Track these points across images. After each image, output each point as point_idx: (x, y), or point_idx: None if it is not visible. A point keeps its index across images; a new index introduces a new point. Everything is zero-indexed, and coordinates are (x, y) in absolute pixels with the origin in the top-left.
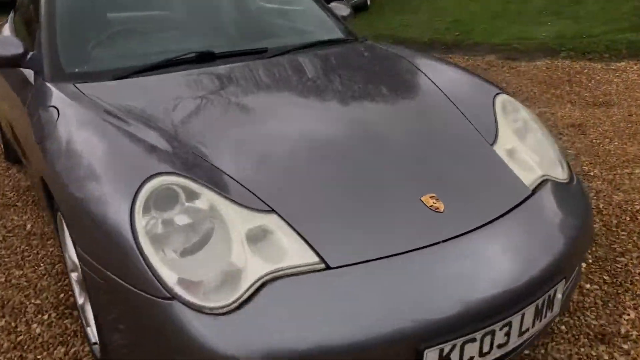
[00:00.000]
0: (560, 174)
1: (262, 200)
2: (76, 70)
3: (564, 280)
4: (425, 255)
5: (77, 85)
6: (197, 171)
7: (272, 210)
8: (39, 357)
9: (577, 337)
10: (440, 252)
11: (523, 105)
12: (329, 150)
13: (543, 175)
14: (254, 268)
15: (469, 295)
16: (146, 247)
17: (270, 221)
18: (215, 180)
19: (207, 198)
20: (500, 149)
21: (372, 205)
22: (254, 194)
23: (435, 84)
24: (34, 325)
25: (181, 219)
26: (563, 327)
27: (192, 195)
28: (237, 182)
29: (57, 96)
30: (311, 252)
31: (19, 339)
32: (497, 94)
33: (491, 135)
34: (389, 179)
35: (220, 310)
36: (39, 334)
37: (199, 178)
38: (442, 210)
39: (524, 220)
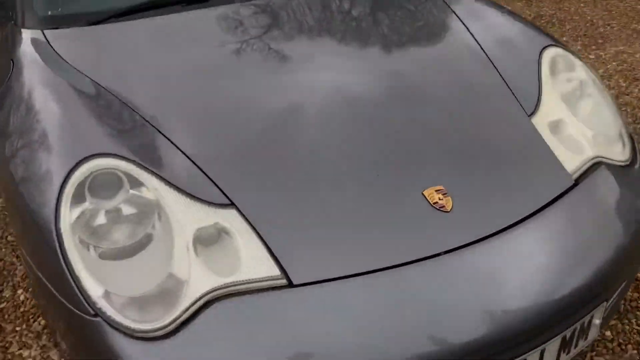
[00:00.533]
0: (619, 153)
1: (221, 190)
2: (49, 13)
3: (604, 303)
4: (418, 272)
5: (46, 32)
6: (146, 151)
7: (232, 205)
8: (17, 329)
9: (624, 347)
10: (439, 269)
11: (582, 62)
12: (316, 125)
13: (595, 157)
14: (199, 281)
15: (468, 329)
16: (70, 249)
17: (228, 219)
18: (166, 163)
19: (150, 187)
20: (540, 121)
21: (358, 201)
22: (212, 181)
23: (469, 30)
24: (19, 292)
25: (113, 215)
26: (608, 333)
27: (132, 184)
28: (196, 165)
29: (18, 46)
30: (272, 263)
31: (1, 306)
32: (547, 46)
33: (531, 103)
34: (383, 164)
35: (153, 334)
36: (22, 302)
37: (146, 160)
38: (449, 209)
39: (559, 224)
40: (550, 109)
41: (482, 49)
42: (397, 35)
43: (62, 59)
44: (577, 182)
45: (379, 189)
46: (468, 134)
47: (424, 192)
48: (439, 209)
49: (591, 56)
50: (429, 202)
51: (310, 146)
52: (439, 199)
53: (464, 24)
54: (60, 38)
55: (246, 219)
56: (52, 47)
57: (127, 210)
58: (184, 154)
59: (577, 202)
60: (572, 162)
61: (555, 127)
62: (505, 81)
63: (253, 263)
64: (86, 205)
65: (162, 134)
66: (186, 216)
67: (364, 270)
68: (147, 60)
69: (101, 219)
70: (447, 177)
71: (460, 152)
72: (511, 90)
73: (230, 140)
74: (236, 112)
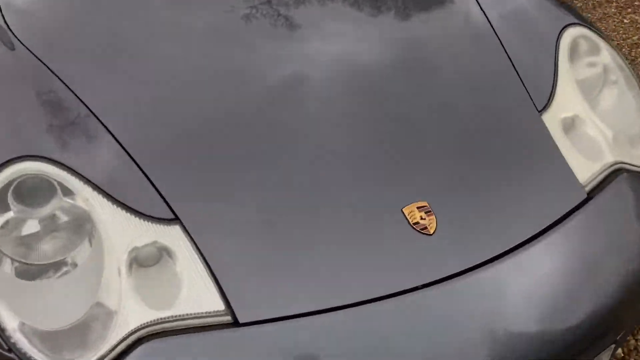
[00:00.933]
0: None
1: (166, 201)
2: None
3: (614, 345)
4: (389, 311)
5: None
6: (83, 152)
7: (176, 219)
8: None
9: None
10: (414, 306)
11: (609, 44)
12: (286, 123)
13: (615, 163)
14: (130, 314)
15: None
16: None
17: (170, 237)
18: (105, 167)
19: (80, 197)
20: (552, 118)
21: (327, 221)
22: (156, 189)
23: (479, 4)
24: None
25: (42, 227)
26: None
27: (63, 192)
28: (140, 168)
29: None
30: (217, 295)
31: None
32: (568, 25)
33: (544, 95)
34: (359, 171)
35: None
36: None
37: (80, 164)
38: (431, 231)
39: (565, 251)
40: (565, 102)
41: (491, 26)
42: (394, 14)
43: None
44: (590, 196)
45: (352, 204)
46: (463, 135)
47: (403, 210)
48: (419, 231)
49: (626, 20)
50: (408, 222)
51: (277, 148)
52: (421, 219)
53: None
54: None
55: (191, 238)
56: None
57: (57, 222)
58: (129, 154)
59: (588, 222)
60: (586, 169)
61: (570, 124)
62: (515, 68)
63: (194, 293)
64: (10, 214)
65: (107, 130)
66: (121, 232)
67: (326, 308)
68: (102, 26)
69: (27, 230)
70: (433, 190)
71: (452, 157)
72: (521, 79)
73: (187, 136)
74: (198, 105)
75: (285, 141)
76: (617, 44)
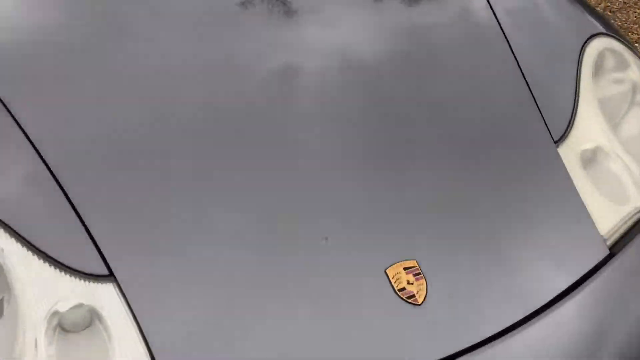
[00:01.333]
0: None
1: (100, 252)
2: None
3: None
4: None
5: None
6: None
7: (110, 276)
8: None
9: None
10: None
11: (639, 56)
12: (250, 153)
13: None
14: None
15: None
16: None
17: (101, 298)
18: (25, 208)
19: None
20: (571, 150)
21: (295, 284)
22: (91, 237)
23: (492, 9)
24: None
25: None
26: None
27: None
28: (73, 207)
29: None
30: None
31: None
32: (594, 35)
33: (562, 121)
34: (337, 221)
35: None
36: None
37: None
38: (420, 300)
39: (583, 326)
40: (586, 130)
41: (505, 37)
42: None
43: None
44: (613, 252)
45: (325, 263)
46: (463, 175)
47: (387, 271)
48: (405, 300)
49: None
50: (392, 287)
51: (237, 197)
52: (408, 283)
53: None
54: None
55: (126, 300)
56: None
57: None
58: (62, 188)
59: (608, 290)
60: (608, 217)
61: (591, 158)
62: (529, 86)
63: None
64: None
65: (36, 151)
66: (42, 293)
67: None
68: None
69: None
70: (424, 244)
71: (448, 204)
72: (536, 101)
73: (134, 161)
74: (150, 126)
75: (242, 190)
76: (638, 37)
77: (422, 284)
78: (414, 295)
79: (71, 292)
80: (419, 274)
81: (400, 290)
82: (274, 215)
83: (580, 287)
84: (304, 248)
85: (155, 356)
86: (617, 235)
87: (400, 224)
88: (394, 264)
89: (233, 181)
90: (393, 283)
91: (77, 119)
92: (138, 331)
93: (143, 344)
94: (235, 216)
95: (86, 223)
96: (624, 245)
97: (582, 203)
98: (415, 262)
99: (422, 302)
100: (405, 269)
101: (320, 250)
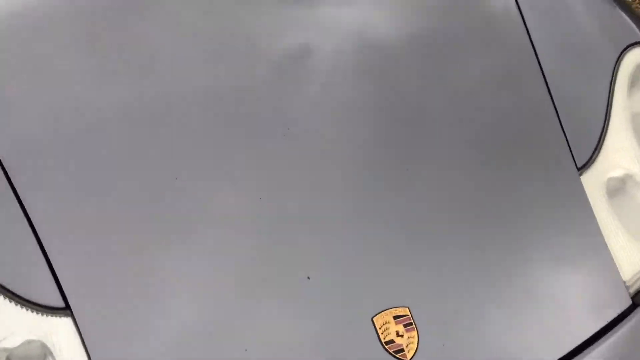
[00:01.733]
0: None
1: (58, 284)
2: None
3: None
4: None
5: None
6: None
7: (66, 309)
8: None
9: None
10: None
11: None
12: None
13: None
14: None
15: None
16: None
17: (54, 333)
18: None
19: None
20: (596, 180)
21: (270, 336)
22: (49, 265)
23: (522, 14)
24: None
25: None
26: None
27: None
28: (34, 231)
29: None
30: None
31: None
32: (632, 45)
33: (589, 144)
34: (320, 260)
35: None
36: None
37: None
38: (409, 355)
39: None
40: (616, 156)
41: (532, 45)
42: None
43: None
44: (636, 302)
45: (303, 306)
46: (469, 207)
47: (374, 319)
48: (393, 355)
49: None
50: (379, 338)
51: (217, 215)
52: (397, 335)
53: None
54: None
55: (81, 337)
56: None
57: None
58: (25, 212)
59: (631, 344)
60: (633, 260)
61: (618, 188)
62: (553, 102)
63: None
64: None
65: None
66: None
67: None
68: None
69: None
70: (419, 289)
71: (450, 241)
72: (559, 118)
73: (103, 188)
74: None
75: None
76: None
77: (413, 337)
78: (402, 350)
79: (21, 326)
80: (410, 324)
81: (387, 343)
82: (247, 254)
83: (597, 342)
84: (282, 287)
85: None
86: None
87: (392, 262)
88: (382, 312)
89: (206, 218)
90: (380, 334)
91: (39, 137)
92: None
93: None
94: (207, 262)
95: (47, 249)
96: None
97: (604, 243)
98: (407, 309)
99: (412, 358)
100: (395, 317)
101: (300, 290)
